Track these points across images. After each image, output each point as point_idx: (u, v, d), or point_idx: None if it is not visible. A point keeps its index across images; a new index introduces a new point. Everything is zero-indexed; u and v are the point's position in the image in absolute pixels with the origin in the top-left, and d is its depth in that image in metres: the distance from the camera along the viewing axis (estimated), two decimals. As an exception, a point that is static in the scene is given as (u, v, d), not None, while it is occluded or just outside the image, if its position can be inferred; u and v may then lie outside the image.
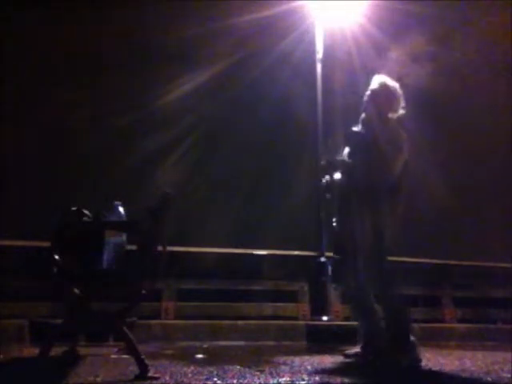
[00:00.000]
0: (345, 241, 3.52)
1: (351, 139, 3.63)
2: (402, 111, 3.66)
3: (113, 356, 3.59)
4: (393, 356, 3.27)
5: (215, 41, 10.93)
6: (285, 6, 8.33)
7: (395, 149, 3.44)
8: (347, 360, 3.51)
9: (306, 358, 3.69)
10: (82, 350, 3.39)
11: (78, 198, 3.32)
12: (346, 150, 3.69)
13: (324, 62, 7.17)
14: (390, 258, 3.51)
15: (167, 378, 2.58)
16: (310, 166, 7.01)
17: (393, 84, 3.68)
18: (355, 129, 3.65)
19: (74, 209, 2.95)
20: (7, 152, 9.60)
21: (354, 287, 3.50)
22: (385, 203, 3.42)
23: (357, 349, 3.53)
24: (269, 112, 11.14)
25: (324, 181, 3.79)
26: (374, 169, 3.40)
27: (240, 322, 5.46)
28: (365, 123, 3.62)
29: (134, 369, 2.63)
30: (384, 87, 3.64)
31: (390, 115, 3.60)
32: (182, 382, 2.52)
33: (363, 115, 3.66)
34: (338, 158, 3.71)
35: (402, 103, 3.66)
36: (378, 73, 3.79)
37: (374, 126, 3.54)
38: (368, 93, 3.67)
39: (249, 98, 11.44)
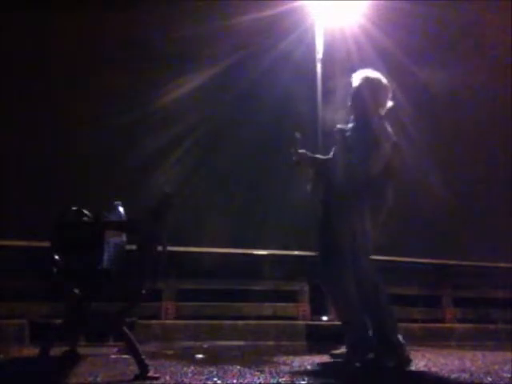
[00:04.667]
0: (328, 241, 3.48)
1: (337, 137, 3.59)
2: (390, 103, 3.56)
3: (113, 356, 3.59)
4: (380, 357, 3.25)
5: (215, 41, 10.93)
6: (285, 6, 8.34)
7: (377, 145, 3.37)
8: (336, 360, 3.47)
9: (306, 357, 3.68)
10: (82, 350, 3.38)
11: (78, 198, 3.31)
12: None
13: (324, 61, 7.18)
14: (377, 258, 3.48)
15: (167, 378, 2.57)
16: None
17: (377, 76, 3.58)
18: (340, 126, 3.60)
19: (74, 209, 2.94)
20: (7, 152, 9.60)
21: (339, 286, 3.44)
22: (367, 202, 3.37)
23: (343, 349, 3.49)
24: (269, 112, 11.15)
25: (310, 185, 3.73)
26: (355, 166, 3.35)
27: (240, 322, 5.46)
28: (352, 120, 3.58)
29: (133, 369, 2.63)
30: (368, 81, 3.55)
31: (378, 109, 3.51)
32: (182, 381, 2.52)
33: (350, 113, 3.61)
34: (310, 154, 3.64)
35: (390, 94, 3.57)
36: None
37: (360, 123, 3.49)
38: (352, 90, 3.59)
39: (249, 98, 11.44)
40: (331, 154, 3.61)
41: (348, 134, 3.49)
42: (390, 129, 3.52)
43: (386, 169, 3.43)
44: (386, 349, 3.26)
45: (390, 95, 3.57)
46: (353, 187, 3.35)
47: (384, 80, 3.59)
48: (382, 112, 3.55)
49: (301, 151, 3.57)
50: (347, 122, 3.59)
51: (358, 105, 3.56)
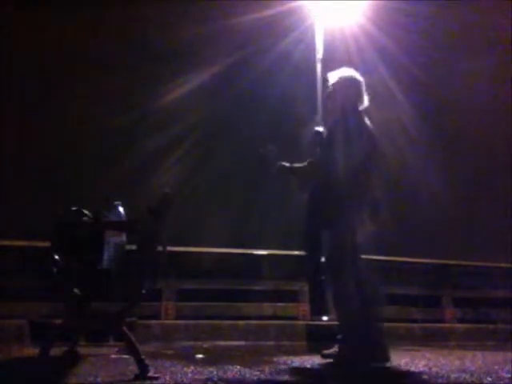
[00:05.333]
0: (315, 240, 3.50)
1: (315, 139, 3.62)
2: (366, 102, 3.57)
3: (113, 356, 3.59)
4: (364, 356, 3.24)
5: (215, 41, 10.94)
6: (285, 6, 8.35)
7: (355, 141, 3.38)
8: (326, 360, 3.46)
9: (306, 358, 3.68)
10: (82, 350, 3.38)
11: (77, 198, 3.31)
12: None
13: (324, 61, 7.18)
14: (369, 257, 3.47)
15: (167, 378, 2.57)
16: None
17: (349, 74, 3.62)
18: (318, 129, 3.64)
19: (74, 209, 2.94)
20: (7, 152, 9.60)
21: (339, 286, 3.44)
22: (352, 202, 3.37)
23: (335, 348, 3.49)
24: (269, 112, 11.15)
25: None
26: (334, 165, 3.34)
27: (240, 322, 5.46)
28: (330, 117, 3.60)
29: (133, 369, 2.63)
30: (340, 81, 3.58)
31: (355, 105, 3.52)
32: (182, 381, 2.52)
33: (329, 113, 3.64)
34: (287, 165, 3.67)
35: (364, 89, 3.58)
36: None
37: (338, 120, 3.49)
38: (329, 87, 3.61)
39: (249, 98, 11.44)
40: (316, 156, 3.61)
41: (327, 134, 3.52)
42: (368, 122, 3.53)
43: (368, 163, 3.43)
44: (372, 349, 3.26)
45: (364, 90, 3.59)
46: (342, 185, 3.35)
47: (357, 76, 3.62)
48: (361, 107, 3.56)
49: (278, 164, 3.64)
50: (325, 124, 3.62)
51: (334, 105, 3.58)
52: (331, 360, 3.40)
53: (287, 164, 3.68)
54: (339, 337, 3.46)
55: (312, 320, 5.84)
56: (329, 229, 3.43)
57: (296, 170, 3.69)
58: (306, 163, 3.70)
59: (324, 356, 3.48)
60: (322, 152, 3.53)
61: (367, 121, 3.53)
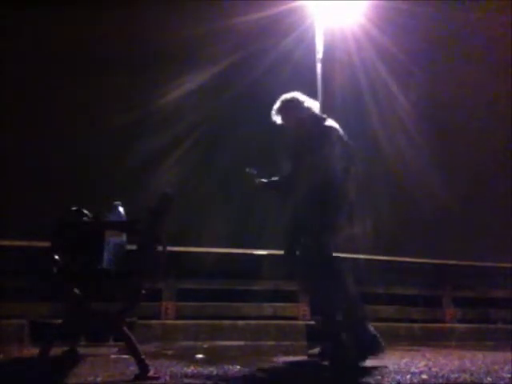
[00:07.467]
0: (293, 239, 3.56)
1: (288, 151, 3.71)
2: (314, 104, 3.66)
3: (113, 356, 3.59)
4: (350, 355, 3.25)
5: (215, 41, 10.93)
6: (285, 6, 8.36)
7: (325, 148, 3.44)
8: (325, 360, 3.46)
9: (306, 358, 3.68)
10: (82, 350, 3.39)
11: (77, 198, 3.31)
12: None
13: (324, 61, 7.19)
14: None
15: (167, 378, 2.58)
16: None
17: (284, 99, 3.74)
18: (292, 141, 3.72)
19: (73, 209, 2.95)
20: (7, 152, 9.60)
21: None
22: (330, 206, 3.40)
23: (318, 348, 3.50)
24: (269, 112, 11.13)
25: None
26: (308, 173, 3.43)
27: (240, 322, 5.46)
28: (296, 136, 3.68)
29: (134, 369, 2.63)
30: (282, 110, 3.71)
31: (312, 115, 3.62)
32: (182, 382, 2.52)
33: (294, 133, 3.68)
34: (266, 180, 3.83)
35: (305, 101, 3.67)
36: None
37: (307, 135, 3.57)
38: (278, 117, 3.73)
39: (249, 98, 11.44)
40: (293, 168, 3.66)
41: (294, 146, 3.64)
42: (333, 124, 3.57)
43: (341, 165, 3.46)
44: (358, 346, 3.28)
45: (305, 101, 3.67)
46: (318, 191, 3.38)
47: (289, 96, 3.75)
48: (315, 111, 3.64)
49: (258, 181, 3.83)
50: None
51: (297, 131, 3.67)
52: (327, 359, 3.41)
53: (265, 180, 3.86)
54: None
55: (312, 320, 5.84)
56: (307, 233, 3.48)
57: (273, 183, 3.86)
58: (279, 177, 3.86)
59: (310, 356, 3.52)
60: (293, 163, 3.63)
61: (335, 125, 3.57)
